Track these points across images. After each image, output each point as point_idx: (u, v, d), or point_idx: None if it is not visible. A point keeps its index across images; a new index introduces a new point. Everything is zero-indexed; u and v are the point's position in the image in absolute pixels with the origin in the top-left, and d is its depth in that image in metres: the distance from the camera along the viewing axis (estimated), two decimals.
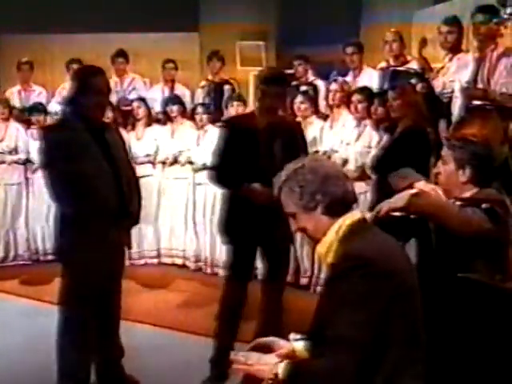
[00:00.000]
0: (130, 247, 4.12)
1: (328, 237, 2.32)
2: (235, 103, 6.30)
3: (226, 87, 7.14)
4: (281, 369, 2.18)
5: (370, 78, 6.24)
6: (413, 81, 5.32)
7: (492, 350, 2.42)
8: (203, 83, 7.48)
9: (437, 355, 2.41)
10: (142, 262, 6.84)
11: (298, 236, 5.72)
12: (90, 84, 3.62)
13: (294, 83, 6.86)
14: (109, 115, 6.77)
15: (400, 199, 2.78)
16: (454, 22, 5.39)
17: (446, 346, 2.53)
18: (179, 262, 6.77)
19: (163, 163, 6.82)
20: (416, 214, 2.82)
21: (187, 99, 7.31)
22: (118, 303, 3.97)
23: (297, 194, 2.31)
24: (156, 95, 7.38)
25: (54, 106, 7.29)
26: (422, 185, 3.13)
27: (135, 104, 6.90)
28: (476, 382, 2.51)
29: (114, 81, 7.57)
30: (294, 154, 3.04)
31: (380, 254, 2.20)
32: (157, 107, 7.15)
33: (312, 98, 6.21)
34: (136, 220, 3.93)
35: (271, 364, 2.22)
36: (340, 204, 2.31)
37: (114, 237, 3.65)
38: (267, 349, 2.37)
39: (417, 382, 2.21)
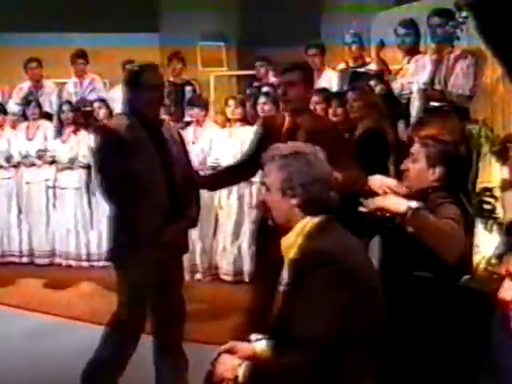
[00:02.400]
0: (186, 250, 3.91)
1: (293, 232, 2.31)
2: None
3: (187, 88, 7.13)
4: (241, 371, 2.18)
5: (330, 80, 6.29)
6: (372, 82, 5.39)
7: (452, 348, 2.45)
8: None
9: (397, 354, 2.44)
10: (102, 263, 6.60)
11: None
12: (141, 80, 3.51)
13: (256, 84, 6.91)
14: (69, 115, 6.76)
15: (398, 203, 2.78)
16: (411, 24, 5.48)
17: (406, 345, 2.56)
18: None
19: None
20: (410, 228, 2.81)
21: None
22: (176, 308, 3.71)
23: (284, 176, 2.30)
24: (116, 96, 7.30)
25: (12, 107, 7.22)
26: (378, 179, 3.18)
27: (96, 105, 6.84)
28: (436, 379, 2.53)
29: (73, 81, 7.53)
30: None
31: (345, 253, 2.20)
32: (117, 108, 7.09)
33: (274, 98, 6.23)
34: (193, 222, 3.76)
35: (232, 365, 2.22)
36: (317, 207, 2.30)
37: (167, 238, 3.50)
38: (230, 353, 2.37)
39: (376, 382, 2.23)
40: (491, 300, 1.87)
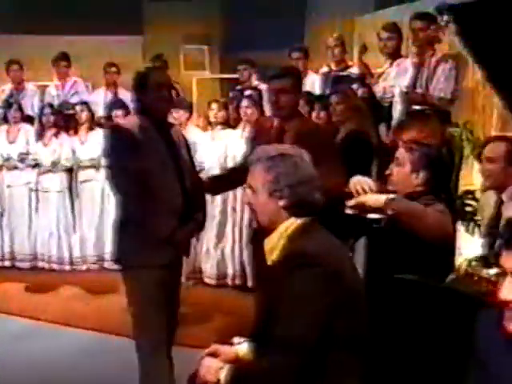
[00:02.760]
0: (188, 254, 3.88)
1: (276, 233, 2.31)
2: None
3: None
4: (223, 374, 2.18)
5: (313, 83, 6.31)
6: (354, 86, 5.41)
7: (435, 349, 2.46)
8: None
9: (382, 356, 2.45)
10: (85, 267, 6.75)
11: (244, 238, 5.81)
12: (149, 79, 3.53)
13: (239, 88, 6.91)
14: (50, 118, 6.72)
15: (377, 200, 2.82)
16: (393, 28, 5.51)
17: (391, 346, 2.57)
18: None
19: None
20: (391, 216, 2.87)
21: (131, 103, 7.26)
22: (176, 311, 3.70)
23: (271, 177, 2.30)
24: (98, 99, 7.29)
25: None
26: (357, 179, 3.19)
27: (78, 108, 6.80)
28: (421, 380, 2.55)
29: (55, 84, 7.49)
30: None
31: (328, 255, 2.20)
32: (99, 111, 7.08)
33: (257, 102, 6.24)
34: (200, 226, 3.72)
35: (214, 368, 2.22)
36: (303, 208, 2.30)
37: (180, 239, 3.49)
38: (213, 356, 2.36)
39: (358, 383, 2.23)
40: (473, 301, 1.89)
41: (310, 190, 2.31)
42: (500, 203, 3.54)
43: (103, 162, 6.65)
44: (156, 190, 3.41)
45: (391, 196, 2.92)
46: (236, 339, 2.44)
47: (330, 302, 2.14)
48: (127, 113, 6.71)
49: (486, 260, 2.53)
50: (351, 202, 3.00)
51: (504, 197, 3.53)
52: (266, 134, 3.89)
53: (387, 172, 3.19)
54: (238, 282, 5.96)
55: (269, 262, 2.34)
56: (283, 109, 3.87)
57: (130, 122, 3.64)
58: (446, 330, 2.34)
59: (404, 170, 3.03)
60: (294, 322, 2.12)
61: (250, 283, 5.98)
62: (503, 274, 1.69)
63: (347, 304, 2.18)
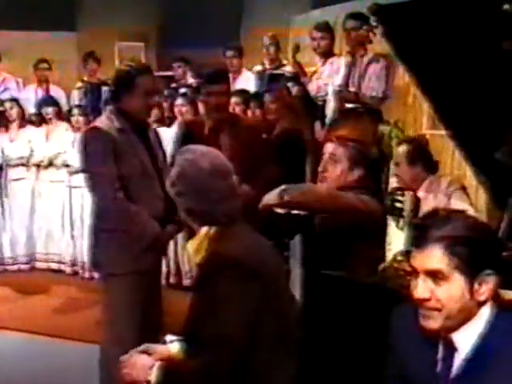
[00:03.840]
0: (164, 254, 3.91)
1: (199, 236, 2.31)
2: None
3: (104, 88, 7.01)
4: (153, 372, 2.16)
5: (247, 81, 6.33)
6: (289, 84, 5.45)
7: (361, 344, 2.49)
8: (79, 84, 7.33)
9: (314, 352, 2.47)
10: (15, 267, 6.61)
11: (179, 237, 5.77)
12: (137, 84, 3.38)
13: (174, 85, 6.87)
14: None
15: (272, 196, 2.84)
16: (325, 27, 5.57)
17: (323, 343, 2.60)
18: (55, 266, 6.62)
19: (38, 166, 6.62)
20: (290, 207, 2.89)
21: (63, 101, 7.15)
22: (159, 319, 3.62)
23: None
24: (29, 96, 7.16)
25: None
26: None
27: (8, 105, 6.65)
28: (348, 376, 2.57)
29: None
30: None
31: (250, 254, 2.20)
32: (30, 108, 6.93)
33: (192, 100, 6.21)
34: (180, 228, 3.61)
35: (145, 366, 2.19)
36: (208, 218, 2.29)
37: (164, 241, 3.47)
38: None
39: (288, 381, 2.25)
40: (394, 296, 1.92)
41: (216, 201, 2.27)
42: (417, 201, 3.63)
43: (33, 160, 6.57)
44: (137, 194, 3.36)
45: (283, 187, 2.89)
46: (168, 337, 2.42)
47: (254, 301, 2.14)
48: (59, 110, 6.63)
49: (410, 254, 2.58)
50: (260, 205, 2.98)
51: (420, 194, 3.62)
52: (199, 134, 3.91)
53: (319, 169, 3.20)
54: (172, 280, 5.93)
55: (193, 264, 2.34)
56: (218, 111, 3.96)
57: (108, 124, 3.46)
58: (369, 326, 2.37)
59: (340, 167, 3.03)
60: (220, 322, 2.12)
61: (186, 282, 5.96)
62: (416, 272, 1.72)
63: (273, 302, 2.18)
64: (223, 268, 2.15)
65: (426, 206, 3.40)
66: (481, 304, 1.70)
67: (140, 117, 3.49)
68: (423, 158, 3.66)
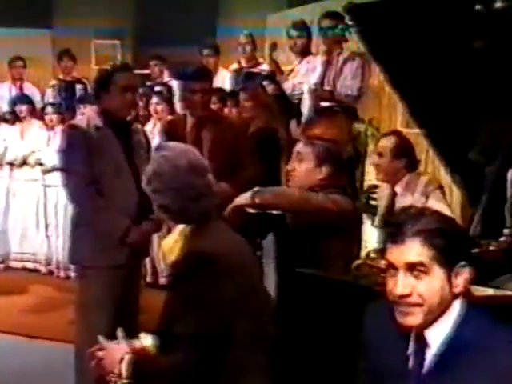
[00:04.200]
0: (147, 254, 3.98)
1: (173, 234, 2.32)
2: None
3: (78, 86, 6.97)
4: (124, 365, 2.14)
5: (223, 80, 6.32)
6: (264, 83, 5.46)
7: (334, 342, 2.50)
8: (53, 82, 7.28)
9: (289, 351, 2.48)
10: None
11: (155, 236, 5.75)
12: (114, 81, 3.41)
13: (149, 83, 6.84)
14: None
15: (243, 197, 2.85)
16: (302, 26, 5.58)
17: (297, 341, 2.60)
18: (30, 265, 6.57)
19: (11, 164, 6.56)
20: (262, 207, 2.90)
21: (37, 98, 7.10)
22: (136, 317, 3.61)
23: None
24: (3, 94, 7.10)
25: None
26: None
27: None
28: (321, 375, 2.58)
29: None
30: None
31: (225, 252, 2.19)
32: (4, 106, 6.87)
33: (168, 98, 6.19)
34: (158, 227, 3.60)
35: (115, 359, 2.17)
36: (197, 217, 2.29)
37: (134, 239, 3.42)
38: None
39: (262, 379, 2.24)
40: (367, 293, 1.93)
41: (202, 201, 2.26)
42: (394, 195, 3.64)
43: (6, 159, 6.51)
44: (108, 191, 3.39)
45: (255, 189, 2.92)
46: (142, 335, 2.41)
47: (227, 298, 2.14)
48: (33, 109, 6.57)
49: (383, 251, 2.60)
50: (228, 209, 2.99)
51: (397, 189, 3.64)
52: (181, 133, 3.93)
53: (288, 168, 3.21)
54: (149, 279, 5.91)
55: (168, 262, 2.34)
56: (202, 108, 3.97)
57: (86, 122, 3.52)
58: (343, 323, 2.38)
59: (307, 165, 3.06)
60: (193, 319, 2.12)
61: (162, 280, 5.95)
62: (394, 267, 1.73)
63: (249, 300, 2.18)
64: (199, 265, 2.14)
65: (403, 203, 3.41)
66: (455, 297, 1.71)
67: (119, 115, 3.51)
68: (408, 155, 3.66)
